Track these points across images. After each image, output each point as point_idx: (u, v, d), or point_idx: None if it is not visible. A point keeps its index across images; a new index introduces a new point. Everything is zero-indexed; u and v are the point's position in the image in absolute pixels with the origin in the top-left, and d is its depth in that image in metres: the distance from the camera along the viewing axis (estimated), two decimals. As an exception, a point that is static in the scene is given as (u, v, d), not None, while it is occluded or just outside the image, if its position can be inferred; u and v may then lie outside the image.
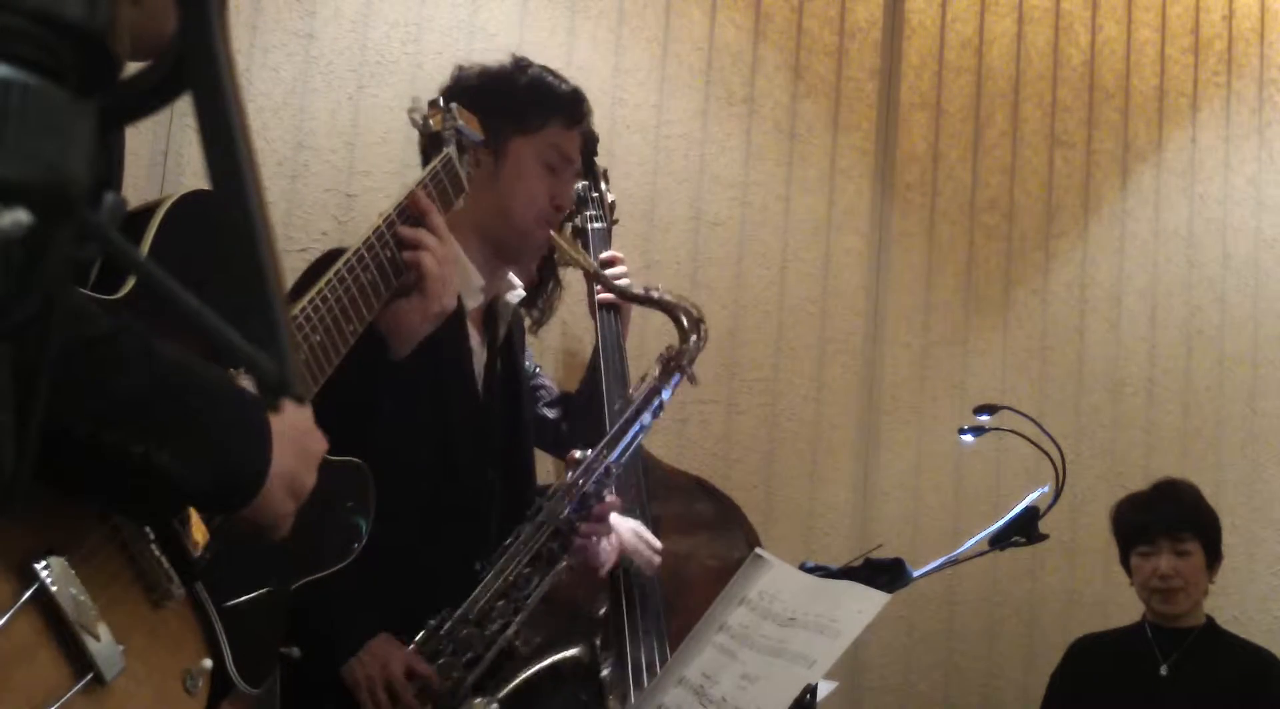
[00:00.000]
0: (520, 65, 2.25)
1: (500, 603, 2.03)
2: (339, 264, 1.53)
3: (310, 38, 3.19)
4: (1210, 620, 3.19)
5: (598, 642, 2.16)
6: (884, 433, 3.77)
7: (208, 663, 1.25)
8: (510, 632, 2.04)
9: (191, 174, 3.01)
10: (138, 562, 1.18)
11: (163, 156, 3.01)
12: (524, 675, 2.09)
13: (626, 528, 2.49)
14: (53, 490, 1.07)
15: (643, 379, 2.29)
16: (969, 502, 3.76)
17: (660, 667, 2.49)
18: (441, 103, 1.97)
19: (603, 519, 2.19)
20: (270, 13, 3.15)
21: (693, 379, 2.30)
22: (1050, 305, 3.93)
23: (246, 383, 1.20)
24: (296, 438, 1.25)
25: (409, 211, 1.70)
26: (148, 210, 1.27)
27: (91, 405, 1.03)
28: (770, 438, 3.62)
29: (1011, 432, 2.58)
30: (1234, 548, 3.64)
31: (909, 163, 3.88)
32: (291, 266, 3.06)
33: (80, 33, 0.47)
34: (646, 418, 2.22)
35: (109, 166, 1.30)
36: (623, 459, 2.19)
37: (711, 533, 2.78)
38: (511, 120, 2.17)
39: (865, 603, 1.82)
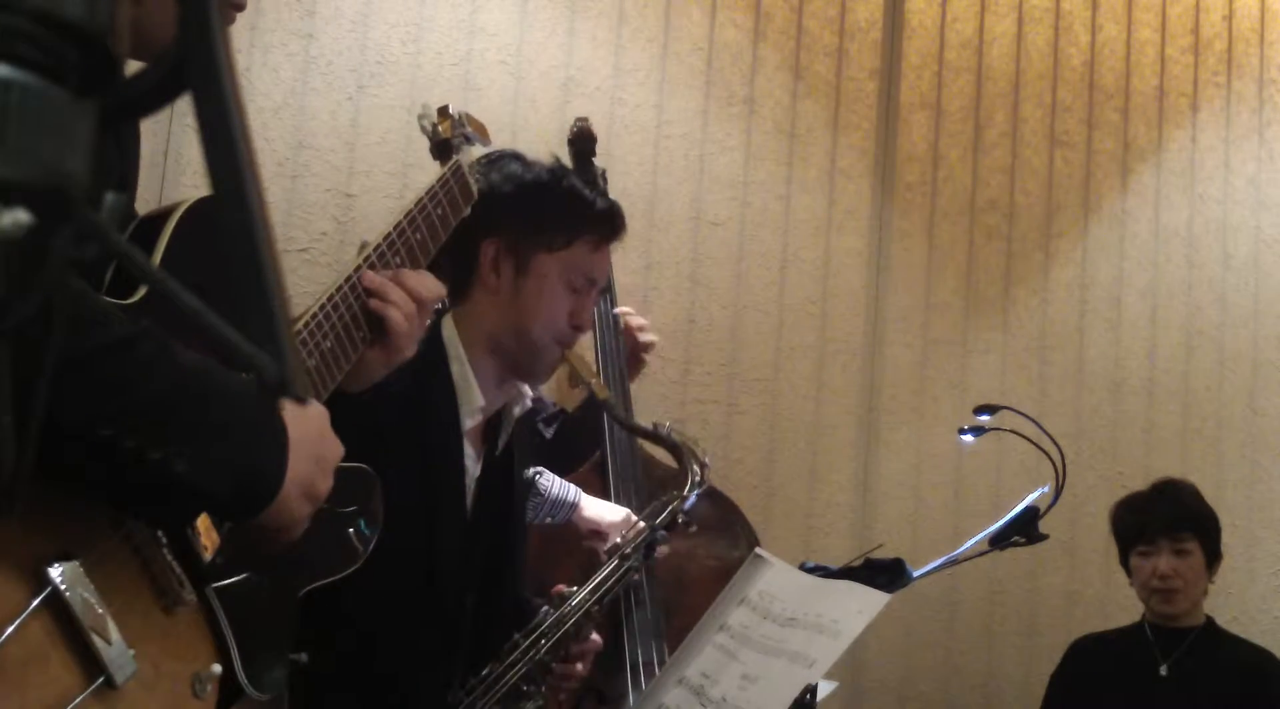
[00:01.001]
0: (555, 176, 2.12)
1: None
2: (350, 269, 1.53)
3: (310, 38, 3.19)
4: (1210, 620, 3.19)
5: None
6: (884, 433, 3.77)
7: (217, 668, 1.25)
8: None
9: (191, 174, 3.01)
10: (149, 566, 1.18)
11: (163, 156, 3.01)
12: None
13: (620, 516, 2.49)
14: (66, 494, 1.07)
15: (635, 523, 2.22)
16: (969, 502, 3.76)
17: (659, 667, 2.49)
18: (450, 109, 1.95)
19: (579, 661, 2.12)
20: (270, 13, 3.15)
21: (690, 526, 2.23)
22: (1050, 305, 3.93)
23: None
24: (312, 443, 1.25)
25: (418, 221, 1.66)
26: (161, 216, 1.27)
27: (111, 410, 1.03)
28: (770, 438, 3.62)
29: (1011, 432, 2.58)
30: (1234, 548, 3.64)
31: (909, 163, 3.88)
32: (291, 267, 3.07)
33: (80, 33, 0.47)
34: (635, 562, 2.17)
35: (124, 166, 1.30)
36: (606, 601, 2.10)
37: (711, 533, 2.78)
38: (539, 236, 2.06)
39: (865, 603, 1.82)
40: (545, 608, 2.08)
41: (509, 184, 2.09)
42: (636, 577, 2.18)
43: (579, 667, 2.13)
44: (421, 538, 1.95)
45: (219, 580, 1.25)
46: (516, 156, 2.14)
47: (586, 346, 3.06)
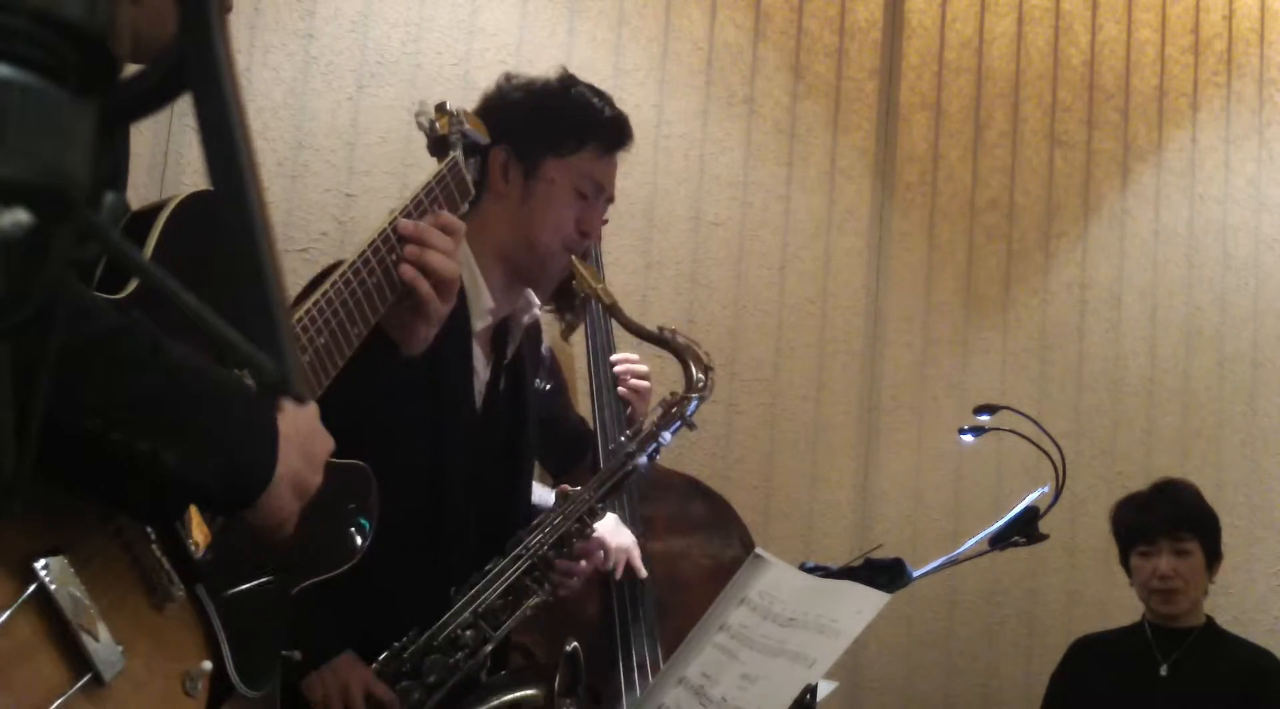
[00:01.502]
0: (565, 84, 2.16)
1: (469, 632, 1.99)
2: (345, 266, 1.53)
3: (310, 38, 3.19)
4: (1210, 620, 3.19)
5: (556, 685, 2.13)
6: (884, 433, 3.77)
7: (208, 665, 1.24)
8: (475, 661, 2.01)
9: (191, 174, 3.01)
10: (139, 563, 1.18)
11: (163, 156, 3.01)
12: (483, 708, 2.06)
13: (626, 539, 2.49)
14: (55, 491, 1.07)
15: (642, 420, 2.24)
16: (969, 502, 3.76)
17: (653, 667, 2.49)
18: (448, 106, 1.95)
19: (582, 558, 2.15)
20: (270, 13, 3.15)
21: (693, 427, 2.24)
22: (1050, 305, 3.93)
23: (251, 382, 1.20)
24: (303, 438, 1.25)
25: (413, 217, 1.67)
26: (153, 210, 1.26)
27: (98, 403, 1.03)
28: (770, 438, 3.62)
29: (1011, 432, 2.58)
30: (1234, 548, 3.64)
31: (909, 163, 3.88)
32: (291, 267, 3.07)
33: (80, 33, 0.47)
34: (642, 460, 2.17)
35: (115, 166, 1.30)
36: (610, 500, 2.13)
37: (705, 533, 2.78)
38: (548, 140, 2.09)
39: (865, 603, 1.82)
40: (553, 507, 2.10)
41: (519, 92, 2.14)
42: (638, 473, 2.18)
43: (582, 564, 2.15)
44: (431, 438, 1.97)
45: (210, 577, 1.24)
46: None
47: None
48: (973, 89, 3.96)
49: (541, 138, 2.09)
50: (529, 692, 2.05)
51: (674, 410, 2.19)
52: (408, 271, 1.59)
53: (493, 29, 3.37)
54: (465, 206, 1.81)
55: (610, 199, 2.23)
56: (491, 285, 2.09)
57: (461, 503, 2.05)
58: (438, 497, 2.02)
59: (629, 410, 2.70)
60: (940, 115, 3.92)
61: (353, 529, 1.51)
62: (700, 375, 2.21)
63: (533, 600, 2.04)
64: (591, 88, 2.20)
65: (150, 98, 0.56)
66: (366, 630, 1.95)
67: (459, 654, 1.99)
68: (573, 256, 2.14)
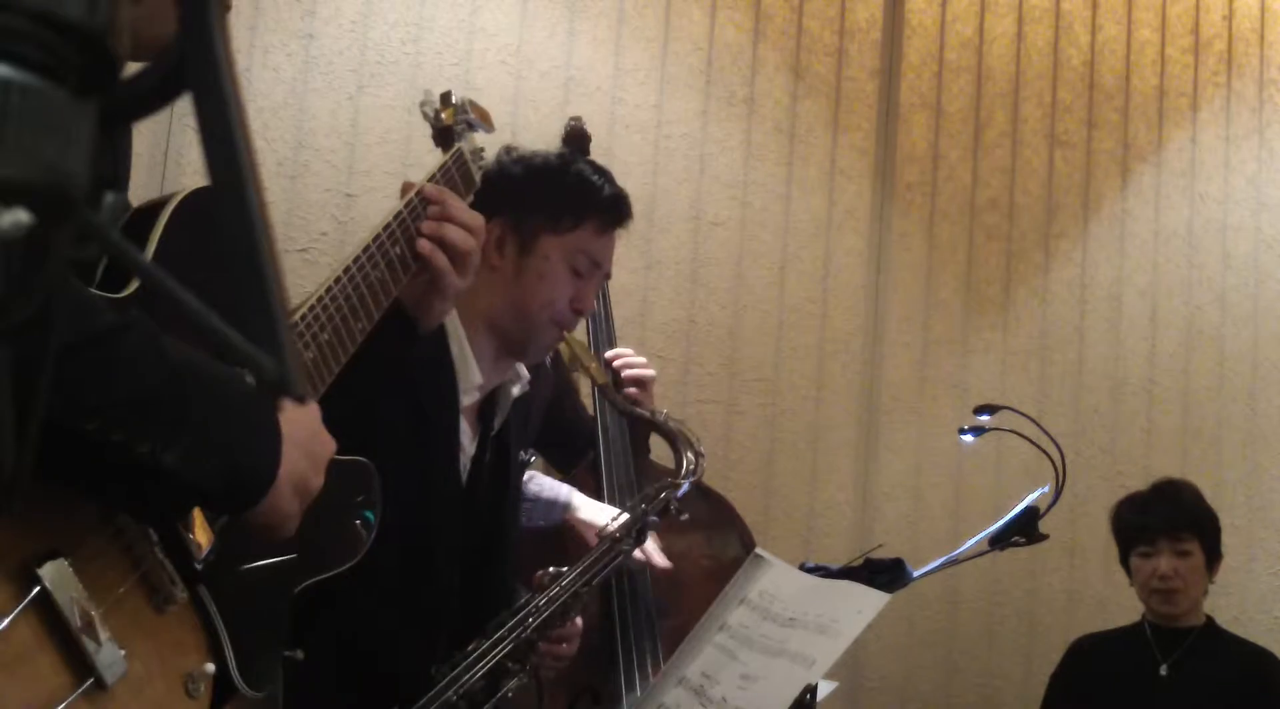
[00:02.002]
0: (565, 160, 2.15)
1: None
2: (349, 260, 1.53)
3: (310, 38, 3.19)
4: (1210, 620, 3.19)
5: None
6: (884, 433, 3.77)
7: (210, 667, 1.24)
8: None
9: (191, 174, 3.01)
10: (141, 564, 1.17)
11: (163, 156, 3.01)
12: None
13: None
14: (56, 492, 1.06)
15: (629, 507, 2.21)
16: (969, 502, 3.76)
17: (653, 667, 2.49)
18: (453, 97, 1.95)
19: (563, 642, 2.13)
20: (270, 13, 3.15)
21: (679, 514, 2.21)
22: (1050, 305, 3.93)
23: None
24: (305, 439, 1.24)
25: (419, 208, 1.67)
26: (154, 208, 1.26)
27: (99, 402, 1.02)
28: (770, 438, 3.62)
29: (1011, 432, 2.58)
30: (1234, 548, 3.64)
31: (909, 163, 3.88)
32: (291, 267, 3.07)
33: (80, 33, 0.47)
34: (625, 546, 2.16)
35: (116, 166, 1.29)
36: (594, 584, 2.09)
37: (706, 533, 2.78)
38: (544, 217, 2.07)
39: (865, 603, 1.82)
40: (533, 590, 2.08)
41: (518, 166, 2.12)
42: (624, 562, 2.17)
43: (564, 647, 2.13)
44: (416, 513, 1.95)
45: (211, 578, 1.24)
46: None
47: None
48: (973, 89, 3.96)
49: (538, 214, 2.07)
50: None
51: (664, 495, 2.16)
52: (425, 246, 1.60)
53: (493, 29, 3.37)
54: (470, 197, 1.81)
55: (607, 275, 2.21)
56: (480, 357, 2.06)
57: (446, 578, 2.03)
58: (422, 571, 1.99)
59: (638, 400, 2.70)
60: (940, 115, 3.92)
61: (358, 522, 1.51)
62: (691, 459, 2.19)
63: (512, 683, 2.01)
64: (592, 164, 2.18)
65: (150, 98, 0.56)
66: (348, 703, 1.93)
67: None
68: (565, 334, 2.12)
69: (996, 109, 3.96)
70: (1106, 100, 4.04)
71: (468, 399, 2.05)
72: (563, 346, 2.19)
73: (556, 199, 2.09)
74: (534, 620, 2.02)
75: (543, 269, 2.07)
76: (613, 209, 2.13)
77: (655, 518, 2.15)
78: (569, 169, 2.13)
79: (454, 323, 2.04)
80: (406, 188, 1.70)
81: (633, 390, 2.63)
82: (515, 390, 2.14)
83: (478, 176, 1.82)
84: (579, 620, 2.14)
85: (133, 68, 0.56)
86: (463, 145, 1.80)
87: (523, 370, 2.16)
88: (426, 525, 1.98)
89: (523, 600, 2.05)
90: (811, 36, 3.79)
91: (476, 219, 1.67)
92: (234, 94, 0.53)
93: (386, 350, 1.63)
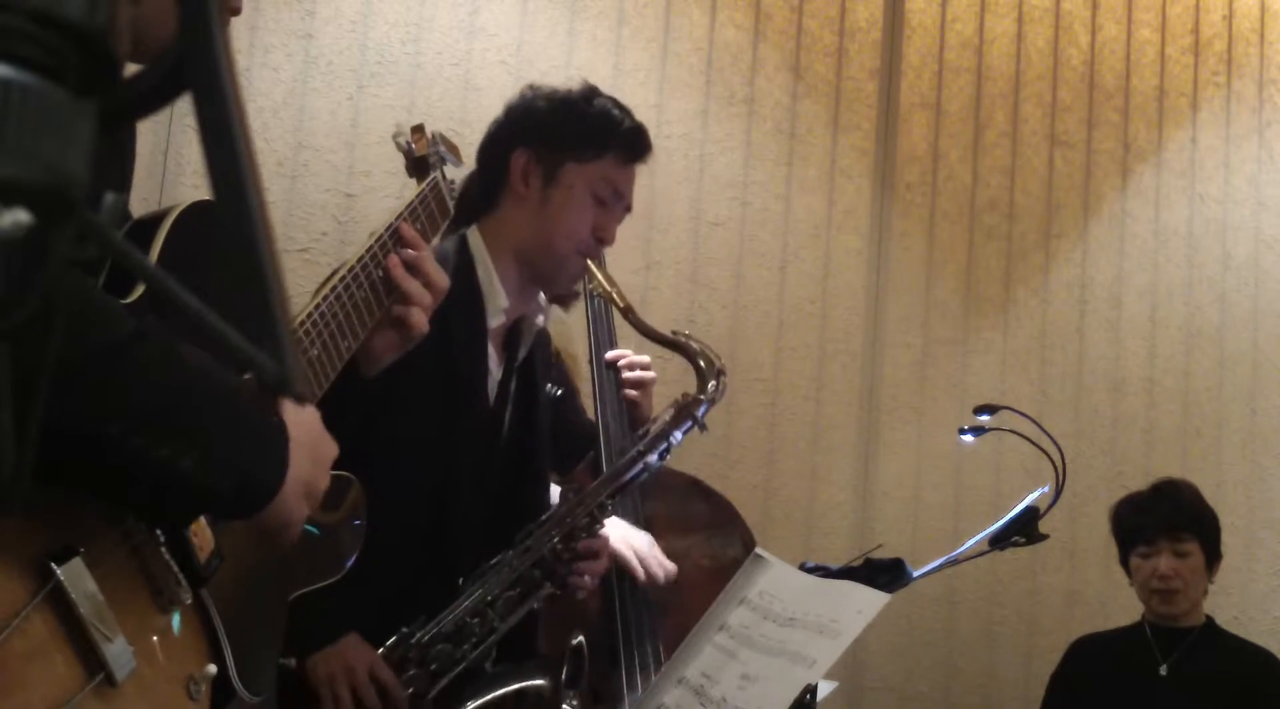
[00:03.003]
0: (588, 95, 2.21)
1: (475, 621, 2.00)
2: (334, 279, 1.53)
3: (310, 38, 3.19)
4: (1210, 620, 3.19)
5: (563, 676, 2.13)
6: (884, 433, 3.77)
7: (212, 669, 1.25)
8: (479, 651, 2.01)
9: (191, 174, 3.01)
10: (147, 565, 1.18)
11: (163, 156, 3.01)
12: (484, 699, 2.06)
13: (641, 540, 2.49)
14: (65, 491, 1.07)
15: (653, 421, 2.25)
16: (969, 502, 3.76)
17: (653, 667, 2.49)
18: (425, 128, 1.96)
19: (590, 555, 2.16)
20: (270, 13, 3.15)
21: (703, 428, 2.25)
22: (1050, 305, 3.93)
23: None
24: (310, 443, 1.25)
25: (400, 234, 1.67)
26: (156, 219, 1.27)
27: (120, 407, 1.03)
28: (770, 438, 3.63)
29: (1011, 432, 2.57)
30: (1234, 548, 3.64)
31: (909, 163, 3.88)
32: (291, 267, 3.07)
33: (80, 33, 0.47)
34: (652, 459, 2.18)
35: (121, 167, 1.30)
36: (619, 497, 2.14)
37: (706, 533, 2.78)
38: (568, 148, 2.13)
39: (865, 603, 1.82)
40: (561, 502, 2.11)
41: (543, 99, 2.19)
42: (648, 472, 2.19)
43: (591, 562, 2.16)
44: (444, 431, 1.99)
45: (213, 582, 1.25)
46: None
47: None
48: (973, 89, 3.96)
49: (563, 143, 2.13)
50: (535, 682, 2.06)
51: (685, 411, 2.20)
52: (398, 269, 1.59)
53: (493, 29, 3.37)
54: (445, 225, 1.83)
55: (628, 207, 2.26)
56: (506, 285, 2.12)
57: (472, 498, 2.07)
58: (449, 490, 2.03)
59: (636, 402, 2.70)
60: (940, 115, 3.92)
61: (342, 540, 1.51)
62: (712, 378, 2.23)
63: (541, 593, 2.05)
64: (613, 100, 2.24)
65: (150, 98, 0.56)
66: (375, 617, 1.96)
67: (465, 644, 2.00)
68: (589, 261, 2.18)
69: (996, 109, 3.96)
70: (1106, 100, 4.04)
71: (494, 321, 2.11)
72: (587, 276, 2.23)
73: (581, 129, 2.15)
74: (560, 531, 2.05)
75: (567, 198, 2.12)
76: (634, 140, 2.20)
77: (678, 434, 2.18)
78: (592, 102, 2.19)
79: (480, 249, 2.10)
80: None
81: (632, 393, 2.64)
82: (538, 320, 2.19)
83: (452, 206, 1.84)
84: (604, 532, 2.18)
85: (133, 67, 0.56)
86: (437, 175, 1.82)
87: (544, 302, 2.21)
88: (456, 445, 2.02)
89: (547, 514, 2.08)
90: (811, 36, 3.79)
91: (442, 280, 1.65)
92: (234, 94, 0.53)
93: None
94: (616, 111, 2.21)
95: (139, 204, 1.39)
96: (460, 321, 2.02)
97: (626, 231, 3.40)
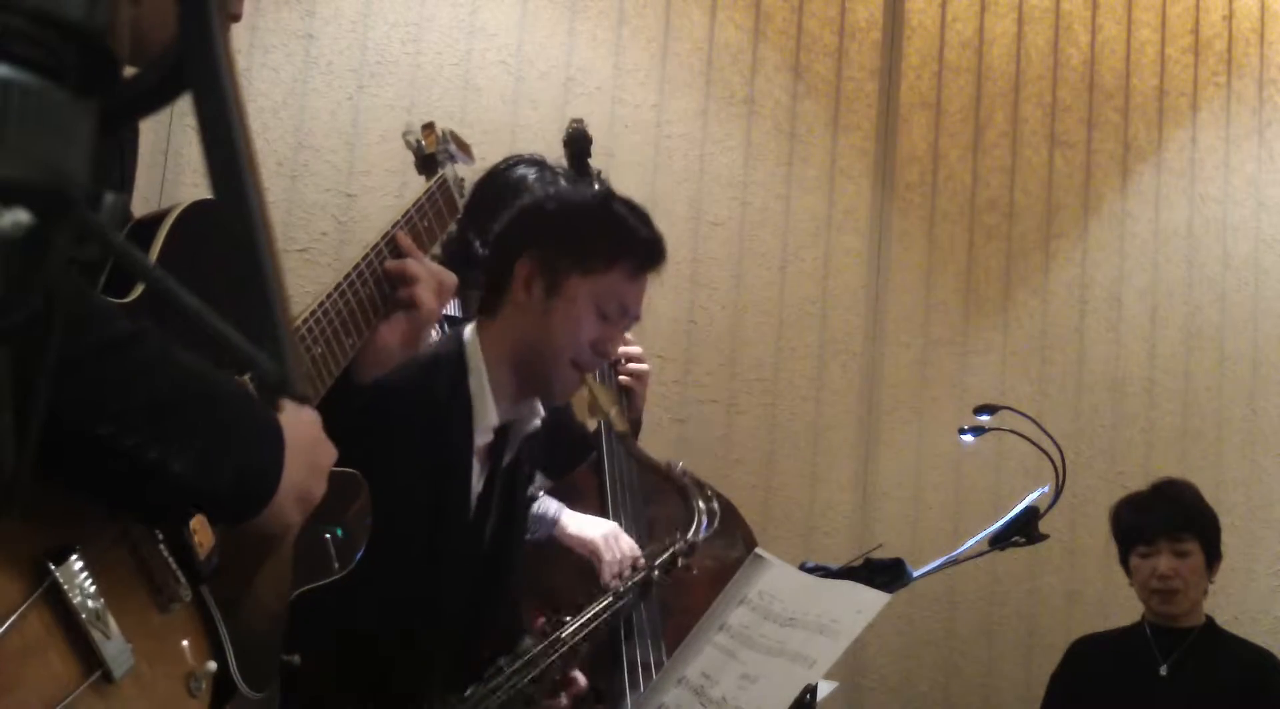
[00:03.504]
0: (604, 198, 2.10)
1: None
2: (340, 278, 1.53)
3: (310, 38, 3.19)
4: (1210, 620, 3.19)
5: None
6: (884, 433, 3.77)
7: (212, 666, 1.25)
8: None
9: (191, 173, 3.01)
10: (146, 563, 1.18)
11: (163, 156, 3.01)
12: None
13: (604, 530, 2.49)
14: (64, 490, 1.08)
15: (634, 565, 2.20)
16: (969, 502, 3.76)
17: (656, 667, 2.49)
18: (435, 126, 1.95)
19: (563, 690, 2.11)
20: (270, 13, 3.15)
21: (690, 570, 2.19)
22: (1050, 305, 3.93)
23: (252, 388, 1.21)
24: (307, 448, 1.25)
25: (397, 243, 1.66)
26: (156, 219, 1.27)
27: (111, 408, 1.03)
28: (770, 438, 3.62)
29: (1011, 432, 2.58)
30: (1234, 548, 3.64)
31: (909, 163, 3.88)
32: (291, 267, 3.07)
33: (80, 33, 0.47)
34: (630, 600, 2.12)
35: (123, 167, 1.30)
36: (595, 638, 2.06)
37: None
38: (575, 256, 2.00)
39: (865, 603, 1.82)
40: (531, 639, 2.05)
41: (554, 202, 2.08)
42: (626, 612, 2.15)
43: (561, 700, 2.11)
44: (423, 544, 1.94)
45: (213, 579, 1.25)
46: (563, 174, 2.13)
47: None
48: (973, 89, 3.96)
49: (569, 254, 2.01)
50: None
51: (673, 550, 2.14)
52: (408, 292, 1.56)
53: (493, 29, 3.37)
54: (453, 223, 1.81)
55: (636, 318, 2.15)
56: (500, 394, 2.02)
57: (450, 611, 2.01)
58: (428, 605, 1.97)
59: (631, 389, 2.70)
60: (940, 115, 3.92)
61: (347, 538, 1.51)
62: (702, 516, 2.16)
63: None
64: (629, 204, 2.11)
65: (150, 98, 0.56)
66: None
67: None
68: (587, 376, 2.07)
69: (996, 109, 3.96)
70: (1106, 100, 4.04)
71: (481, 440, 2.02)
72: (584, 390, 2.12)
73: (589, 240, 2.03)
74: (531, 671, 1.99)
75: (568, 311, 2.00)
76: (647, 253, 2.07)
77: (663, 575, 2.12)
78: (606, 210, 2.07)
79: (475, 357, 2.01)
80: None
81: (626, 379, 2.62)
82: (529, 428, 2.10)
83: (461, 204, 1.83)
84: (580, 677, 2.10)
85: (133, 68, 0.56)
86: (446, 173, 1.81)
87: (539, 408, 2.11)
88: (435, 559, 1.97)
89: (521, 648, 2.02)
90: (811, 36, 3.79)
91: (448, 278, 1.62)
92: (234, 94, 0.53)
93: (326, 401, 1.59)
94: (632, 221, 2.07)
95: (139, 204, 1.39)
96: (448, 438, 1.96)
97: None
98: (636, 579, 2.10)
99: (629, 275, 2.04)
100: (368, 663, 1.91)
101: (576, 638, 2.03)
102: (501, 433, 2.07)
